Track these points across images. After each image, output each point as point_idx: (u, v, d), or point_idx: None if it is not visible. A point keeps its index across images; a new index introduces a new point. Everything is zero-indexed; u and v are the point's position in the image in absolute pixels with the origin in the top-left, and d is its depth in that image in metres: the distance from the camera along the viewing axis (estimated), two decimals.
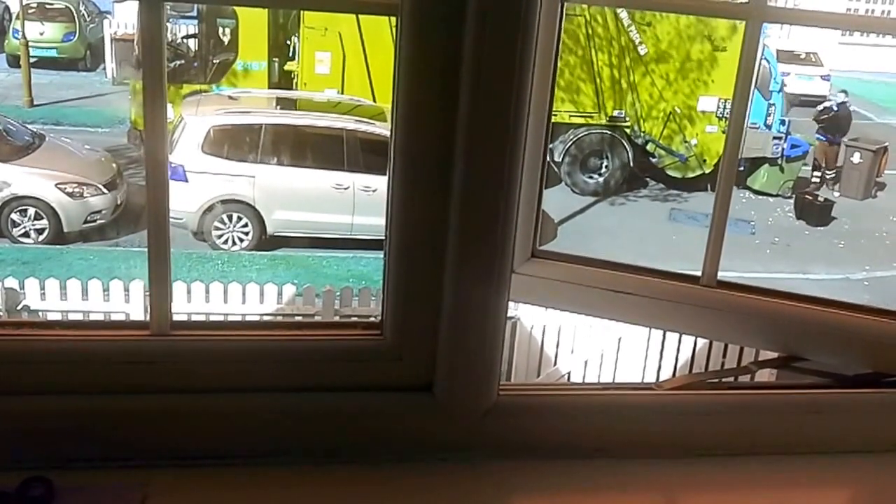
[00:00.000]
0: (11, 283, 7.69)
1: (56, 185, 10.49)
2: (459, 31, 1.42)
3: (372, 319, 1.64)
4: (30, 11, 16.01)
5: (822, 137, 14.11)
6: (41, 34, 16.11)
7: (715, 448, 1.68)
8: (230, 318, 7.66)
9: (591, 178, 13.52)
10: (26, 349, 1.55)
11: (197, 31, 13.84)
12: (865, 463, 1.71)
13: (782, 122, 13.66)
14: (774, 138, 13.48)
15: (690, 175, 13.53)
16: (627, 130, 13.54)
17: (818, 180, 13.98)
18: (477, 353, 1.58)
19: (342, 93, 12.61)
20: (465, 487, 1.59)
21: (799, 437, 1.71)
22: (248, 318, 7.80)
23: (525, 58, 1.44)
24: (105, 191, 10.72)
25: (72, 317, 7.51)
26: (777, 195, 13.59)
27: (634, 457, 1.65)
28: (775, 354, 1.83)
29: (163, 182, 1.51)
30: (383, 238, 1.57)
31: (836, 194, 13.78)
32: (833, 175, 13.98)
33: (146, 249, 1.54)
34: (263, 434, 1.58)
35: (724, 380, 2.02)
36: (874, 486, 1.72)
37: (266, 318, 7.82)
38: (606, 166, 13.56)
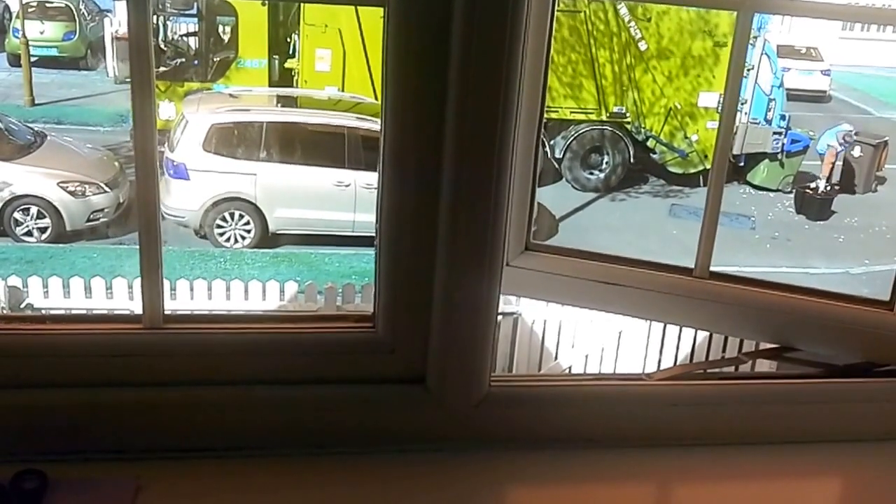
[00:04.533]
0: (15, 281, 7.68)
1: (58, 183, 10.50)
2: (447, 21, 1.42)
3: (364, 312, 1.64)
4: (30, 10, 16.01)
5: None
6: (41, 33, 16.12)
7: (706, 438, 1.68)
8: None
9: (591, 174, 13.52)
10: (19, 343, 1.56)
11: (197, 29, 13.83)
12: (856, 452, 1.71)
13: (782, 118, 13.65)
14: (774, 133, 13.46)
15: (691, 171, 13.51)
16: (628, 126, 13.53)
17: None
18: (469, 345, 1.58)
19: (343, 90, 12.59)
20: (457, 478, 1.60)
21: (790, 427, 1.72)
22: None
23: (514, 48, 1.43)
24: (107, 189, 10.73)
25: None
26: (777, 190, 13.58)
27: (626, 447, 1.65)
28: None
29: (152, 173, 1.51)
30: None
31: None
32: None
33: None
34: (256, 426, 1.58)
35: (715, 370, 2.02)
36: (865, 474, 1.73)
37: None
38: (607, 162, 13.55)
